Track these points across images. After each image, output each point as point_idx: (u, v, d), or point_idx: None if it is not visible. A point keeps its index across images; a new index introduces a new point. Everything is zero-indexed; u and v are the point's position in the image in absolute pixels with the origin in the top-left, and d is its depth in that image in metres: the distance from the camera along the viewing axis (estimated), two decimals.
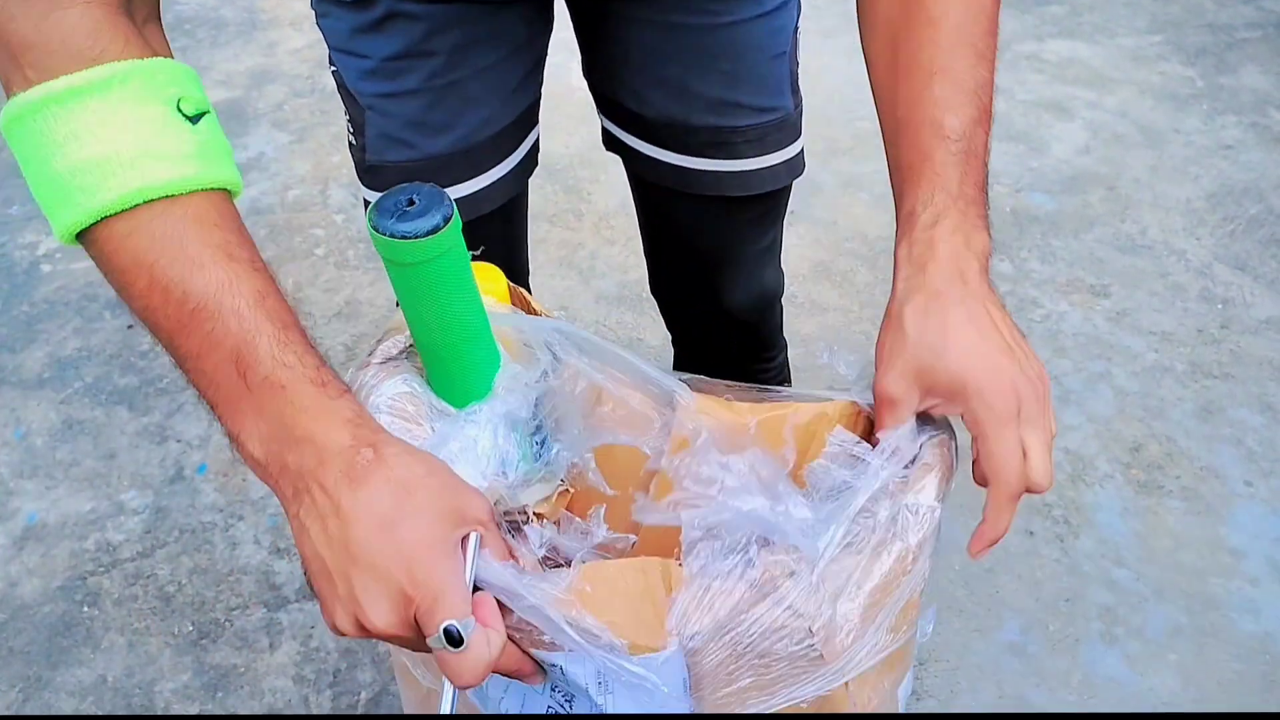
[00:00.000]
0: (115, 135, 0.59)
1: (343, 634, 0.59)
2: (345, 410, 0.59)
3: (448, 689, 0.61)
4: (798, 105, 1.03)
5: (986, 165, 0.74)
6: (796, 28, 1.00)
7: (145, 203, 0.59)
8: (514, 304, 0.78)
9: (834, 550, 0.63)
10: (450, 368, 0.68)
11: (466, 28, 0.93)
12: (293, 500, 0.59)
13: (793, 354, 1.78)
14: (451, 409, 0.69)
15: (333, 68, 1.01)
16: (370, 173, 1.03)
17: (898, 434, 0.68)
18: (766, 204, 1.07)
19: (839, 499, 0.66)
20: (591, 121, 2.38)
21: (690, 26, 0.94)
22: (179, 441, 1.73)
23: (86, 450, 1.72)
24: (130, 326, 1.93)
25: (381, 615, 0.57)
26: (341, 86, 1.02)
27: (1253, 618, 1.49)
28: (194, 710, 1.40)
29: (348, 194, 2.20)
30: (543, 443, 0.74)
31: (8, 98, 0.61)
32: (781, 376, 1.33)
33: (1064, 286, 1.98)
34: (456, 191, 1.03)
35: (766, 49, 0.96)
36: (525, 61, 1.01)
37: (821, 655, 0.62)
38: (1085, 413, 1.75)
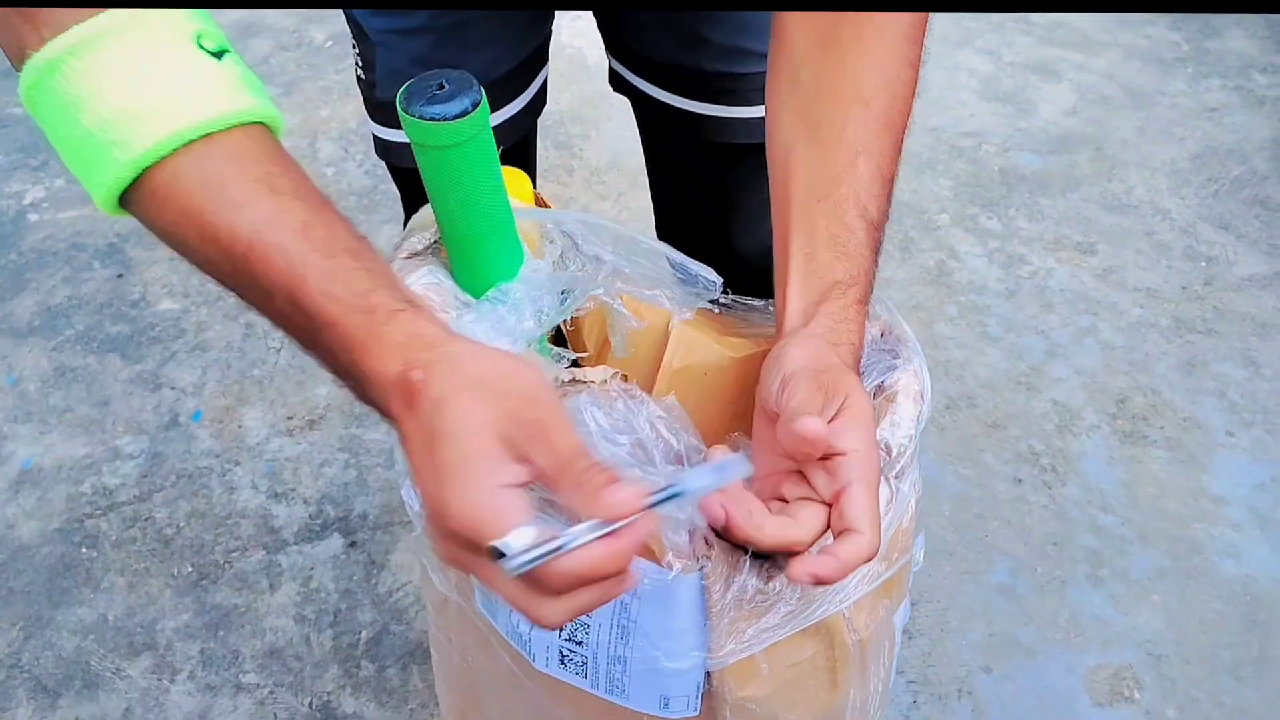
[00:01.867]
0: (139, 81, 0.56)
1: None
2: (397, 334, 0.55)
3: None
4: None
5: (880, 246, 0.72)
6: None
7: (183, 146, 0.56)
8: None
9: None
10: (474, 257, 0.69)
11: None
12: (395, 433, 0.57)
13: None
14: (474, 300, 0.70)
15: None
16: (381, 109, 1.03)
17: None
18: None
19: None
20: (582, 79, 2.38)
21: None
22: (173, 389, 1.74)
23: (80, 397, 1.72)
24: (120, 275, 1.92)
25: (440, 547, 0.55)
26: (351, 20, 1.02)
27: (1234, 561, 1.52)
28: (196, 649, 1.41)
29: (337, 147, 2.20)
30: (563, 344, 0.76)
31: (19, 58, 0.56)
32: None
33: (1051, 244, 2.00)
34: None
35: None
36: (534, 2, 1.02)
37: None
38: (1072, 366, 1.78)
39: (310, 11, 2.56)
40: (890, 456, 0.65)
